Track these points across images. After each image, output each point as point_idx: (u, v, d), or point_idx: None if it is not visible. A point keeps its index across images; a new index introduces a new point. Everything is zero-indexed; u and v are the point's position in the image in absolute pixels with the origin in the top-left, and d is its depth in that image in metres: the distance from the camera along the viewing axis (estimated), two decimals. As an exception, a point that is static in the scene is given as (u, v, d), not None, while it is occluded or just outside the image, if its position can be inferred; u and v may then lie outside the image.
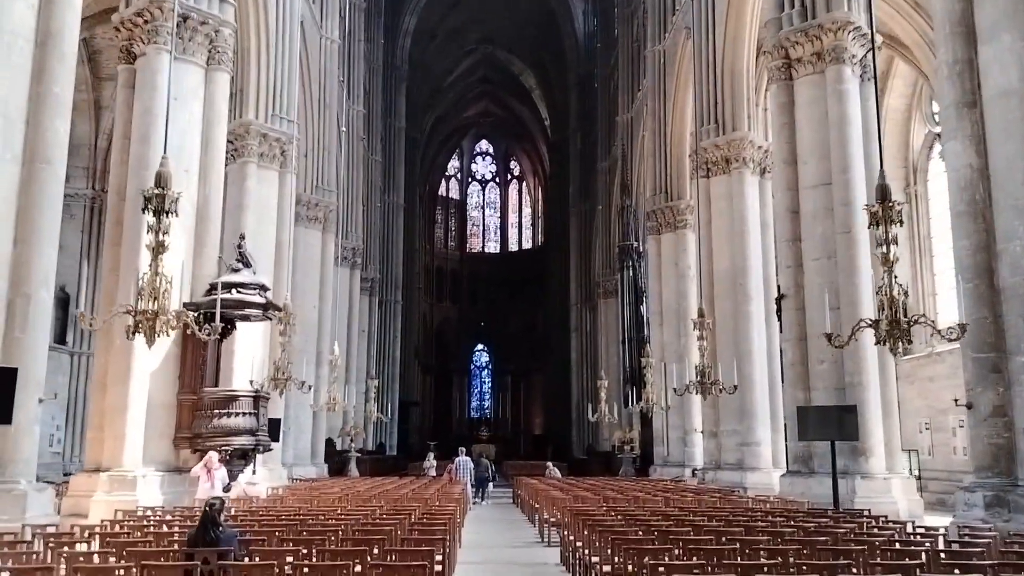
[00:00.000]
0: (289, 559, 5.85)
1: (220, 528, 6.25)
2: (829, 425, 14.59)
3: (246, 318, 16.08)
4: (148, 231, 7.92)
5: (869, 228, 8.40)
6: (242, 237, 16.38)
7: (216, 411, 14.90)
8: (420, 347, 54.69)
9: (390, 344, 43.97)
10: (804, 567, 5.62)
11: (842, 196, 15.75)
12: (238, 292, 15.32)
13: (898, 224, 7.91)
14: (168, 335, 7.94)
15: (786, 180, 16.65)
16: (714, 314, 21.72)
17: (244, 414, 15.03)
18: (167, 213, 7.87)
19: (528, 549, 13.69)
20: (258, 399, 15.30)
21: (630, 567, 6.56)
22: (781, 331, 16.73)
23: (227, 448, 14.70)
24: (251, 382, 15.08)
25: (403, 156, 47.63)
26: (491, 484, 26.73)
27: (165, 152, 8.79)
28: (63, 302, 26.57)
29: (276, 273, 21.76)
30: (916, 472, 23.24)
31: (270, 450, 16.24)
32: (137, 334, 7.65)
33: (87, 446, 15.24)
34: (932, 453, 23.87)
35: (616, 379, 31.85)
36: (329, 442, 28.46)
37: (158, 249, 7.67)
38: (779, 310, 16.47)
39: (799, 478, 15.61)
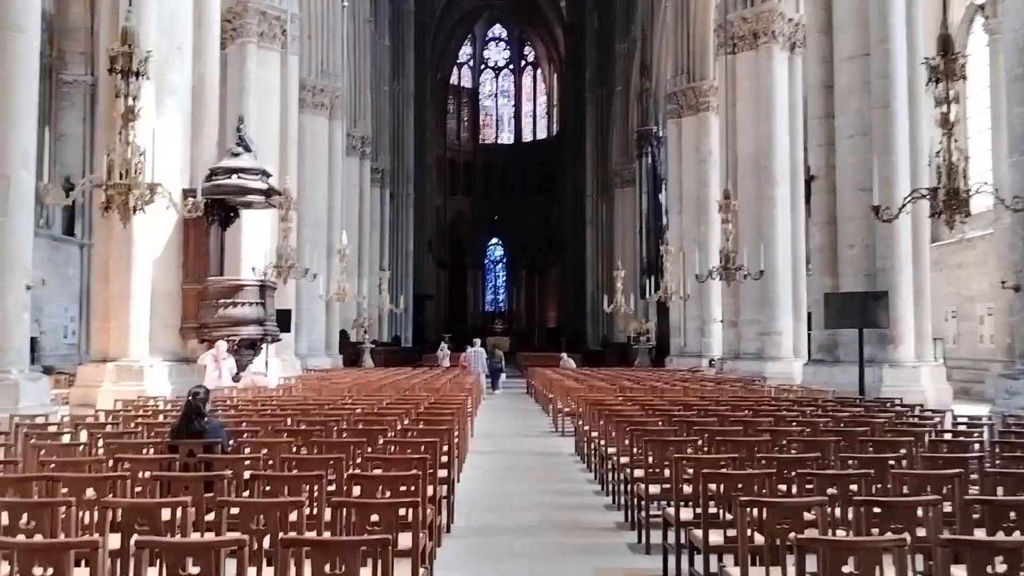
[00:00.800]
0: (281, 452, 5.38)
1: (205, 418, 5.78)
2: (858, 312, 13.98)
3: (248, 205, 15.43)
4: (117, 96, 7.10)
5: (928, 84, 7.47)
6: (241, 120, 15.56)
7: (222, 301, 14.44)
8: (434, 241, 54.12)
9: (403, 238, 43.38)
10: (849, 461, 5.08)
11: (880, 68, 14.64)
12: (239, 177, 14.64)
13: (962, 80, 7.01)
14: (143, 211, 7.27)
15: (820, 52, 15.51)
16: (737, 199, 20.89)
17: (250, 304, 14.57)
18: (137, 75, 7.05)
19: (541, 439, 13.40)
20: (264, 288, 14.81)
21: (651, 459, 6.07)
22: (809, 215, 15.93)
23: (234, 338, 14.32)
24: (252, 269, 14.54)
25: (412, 41, 45.78)
26: (504, 375, 26.58)
27: (130, 5, 7.83)
28: (68, 193, 25.96)
29: (281, 161, 20.96)
30: (940, 361, 22.75)
31: (279, 340, 15.88)
32: (111, 210, 6.99)
33: (93, 336, 14.93)
34: (957, 342, 23.33)
35: (632, 270, 31.21)
36: (343, 334, 28.27)
37: (127, 116, 6.89)
38: (808, 192, 15.63)
39: (823, 367, 15.13)
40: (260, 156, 20.09)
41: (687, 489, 5.23)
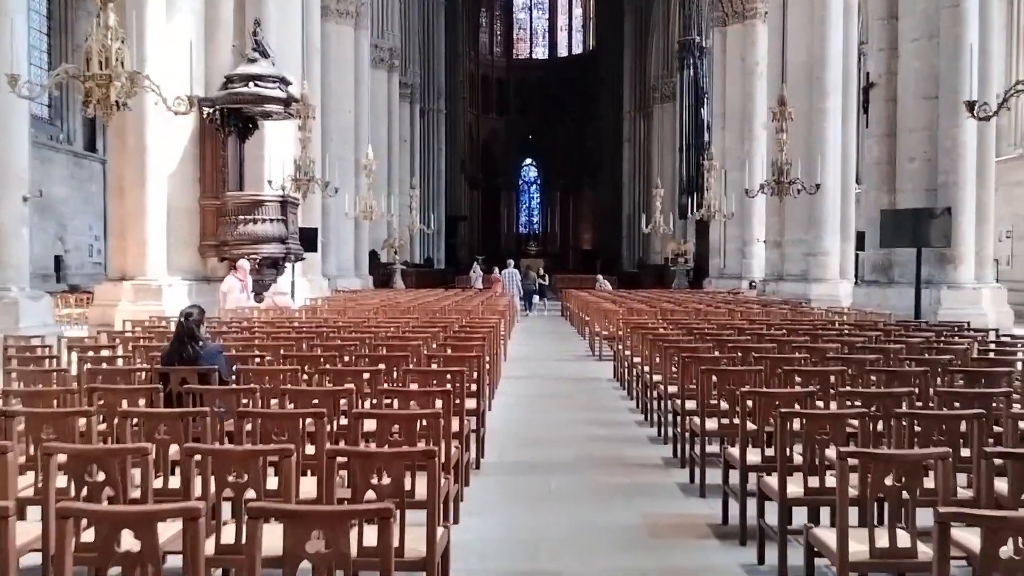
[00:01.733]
0: (285, 383, 4.73)
1: (200, 343, 5.12)
2: (916, 230, 12.99)
3: (267, 115, 14.60)
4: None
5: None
6: (257, 23, 14.57)
7: (241, 217, 13.80)
8: (467, 161, 52.95)
9: (434, 156, 42.35)
10: (954, 400, 4.27)
11: (953, -40, 13.23)
12: (255, 85, 13.79)
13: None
14: (127, 106, 6.47)
15: (886, -55, 14.08)
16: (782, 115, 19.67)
17: (271, 220, 13.91)
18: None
19: (578, 363, 12.73)
20: (285, 204, 14.11)
21: (702, 389, 5.33)
22: (867, 125, 14.75)
23: (255, 256, 13.71)
24: (269, 183, 13.81)
25: (443, -52, 43.88)
26: (537, 297, 25.89)
27: None
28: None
29: (305, 71, 20.02)
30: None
31: (302, 259, 15.25)
32: (90, 105, 6.21)
33: (109, 254, 14.44)
34: (1011, 263, 22.12)
35: (671, 190, 30.04)
36: (373, 255, 27.70)
37: None
38: (866, 102, 14.42)
39: (876, 288, 14.20)
40: (281, 66, 19.13)
41: (751, 427, 4.48)
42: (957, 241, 13.13)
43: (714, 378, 5.39)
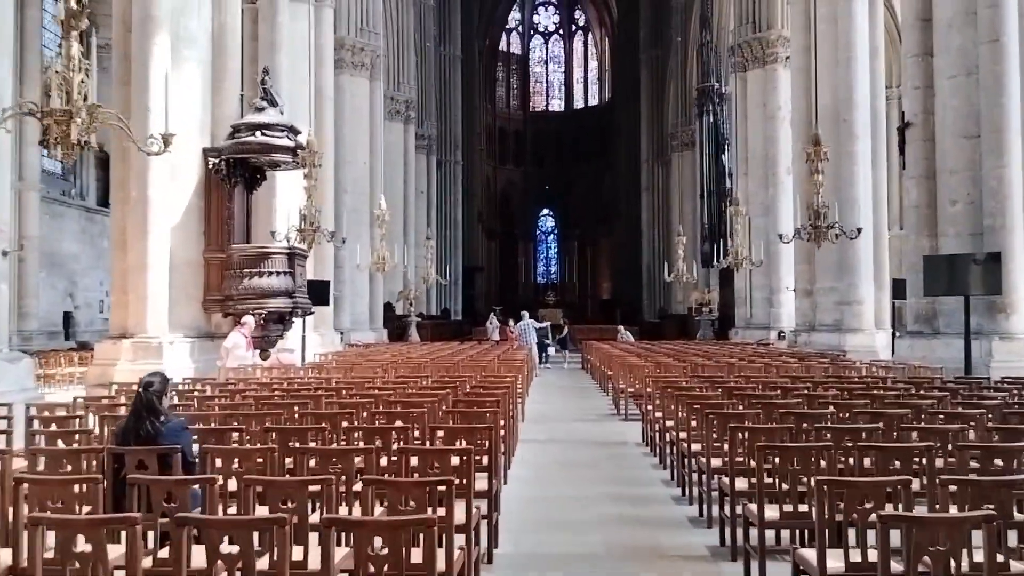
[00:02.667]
0: (259, 460, 3.97)
1: (161, 418, 4.37)
2: (963, 276, 12.15)
3: (275, 165, 14.11)
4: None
5: None
6: (266, 72, 14.19)
7: (247, 270, 13.19)
8: (484, 211, 52.66)
9: (451, 207, 41.97)
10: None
11: (990, -5, 12.60)
12: (263, 134, 13.31)
13: None
14: (92, 145, 5.81)
15: (917, -21, 13.50)
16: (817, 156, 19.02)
17: (278, 273, 13.28)
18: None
19: (601, 424, 11.85)
20: (293, 256, 13.50)
21: (752, 462, 4.51)
22: (903, 167, 14.01)
23: (261, 311, 13.06)
24: (272, 234, 13.22)
25: (459, 2, 44.03)
26: (552, 348, 25.02)
27: None
28: (103, 162, 25.10)
29: (317, 121, 19.65)
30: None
31: (310, 313, 14.59)
32: (49, 145, 5.56)
33: (111, 310, 13.82)
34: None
35: (692, 237, 29.29)
36: (388, 307, 27.05)
37: (69, 24, 5.28)
38: (902, 142, 13.70)
39: (920, 340, 13.28)
40: (293, 116, 18.77)
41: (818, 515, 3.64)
42: (1009, 288, 12.25)
43: (794, 462, 4.51)
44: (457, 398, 7.50)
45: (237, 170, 13.52)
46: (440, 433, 5.18)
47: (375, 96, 25.86)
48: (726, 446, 5.24)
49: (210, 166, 13.45)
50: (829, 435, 4.84)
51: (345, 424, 5.49)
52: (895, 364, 12.13)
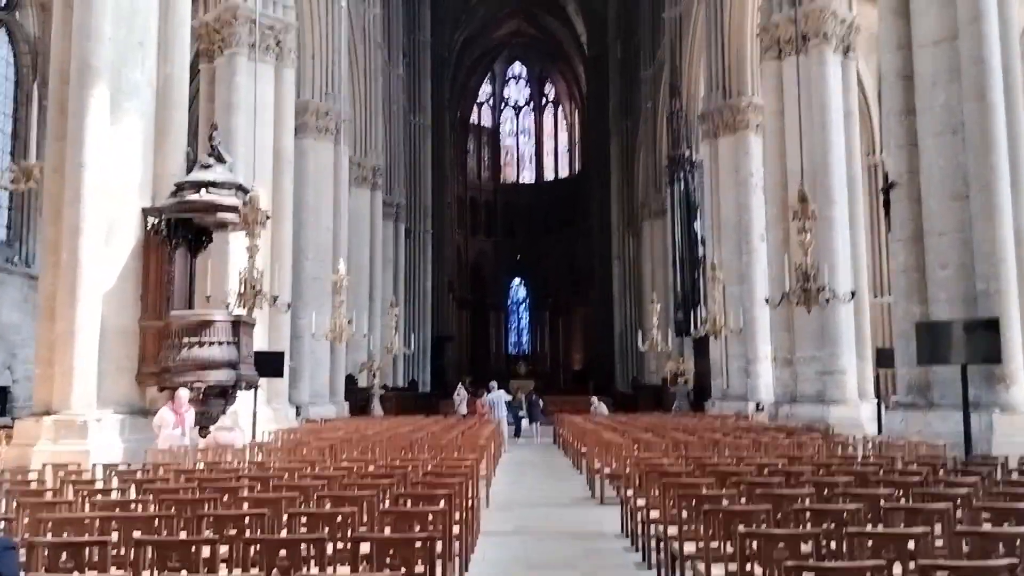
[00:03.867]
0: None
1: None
2: (957, 345, 11.39)
3: (222, 225, 13.12)
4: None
5: None
6: (214, 127, 13.34)
7: (186, 340, 12.08)
8: (455, 281, 51.89)
9: (420, 276, 41.08)
10: None
11: (972, 52, 12.17)
12: (208, 192, 12.34)
13: None
14: None
15: (896, 37, 13.08)
16: (788, 222, 18.45)
17: (220, 343, 12.18)
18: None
19: (576, 510, 10.68)
20: (238, 325, 12.42)
21: (759, 569, 3.51)
22: (889, 230, 13.35)
23: (200, 385, 11.91)
24: (208, 299, 12.16)
25: (429, 73, 43.99)
26: (527, 422, 23.82)
27: None
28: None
29: (276, 184, 18.81)
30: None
31: (256, 387, 13.42)
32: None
33: (35, 385, 12.55)
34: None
35: (665, 305, 28.54)
36: (350, 379, 25.79)
37: None
38: (886, 203, 13.06)
39: (914, 412, 12.39)
40: (250, 179, 17.95)
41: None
42: (1007, 357, 11.47)
43: (789, 558, 3.56)
44: (408, 484, 6.41)
45: (179, 231, 12.52)
46: (364, 549, 4.06)
47: (339, 160, 25.12)
48: (728, 547, 4.22)
49: (149, 226, 12.45)
50: (893, 549, 3.78)
51: (248, 534, 4.38)
52: (894, 441, 11.18)
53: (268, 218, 12.89)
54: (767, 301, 12.11)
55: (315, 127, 23.94)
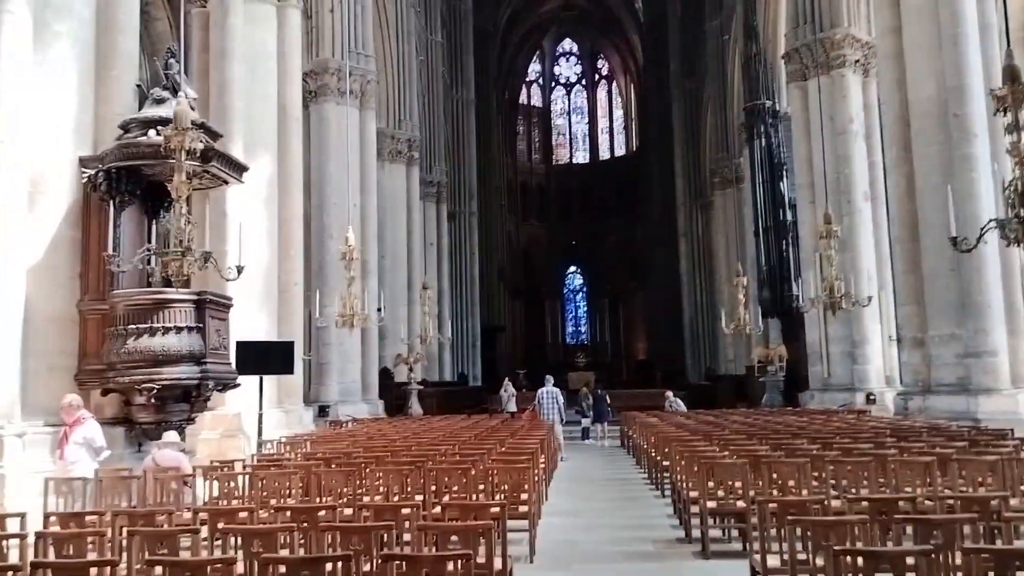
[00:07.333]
0: None
1: None
2: None
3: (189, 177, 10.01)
4: None
5: None
6: (171, 53, 10.19)
7: (133, 326, 9.05)
8: (507, 269, 48.73)
9: (466, 262, 37.96)
10: None
11: None
12: (160, 134, 9.25)
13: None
14: None
15: None
16: (911, 165, 14.77)
17: (180, 329, 9.12)
18: None
19: (661, 554, 7.27)
20: (203, 305, 9.34)
21: None
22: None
23: (150, 386, 8.88)
24: (147, 267, 9.06)
25: (471, 46, 40.76)
26: (587, 420, 20.39)
27: None
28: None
29: (282, 145, 15.78)
30: None
31: (235, 386, 10.32)
32: None
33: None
34: None
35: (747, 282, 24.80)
36: (386, 373, 22.75)
37: None
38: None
39: None
40: (252, 140, 14.97)
41: None
42: None
43: None
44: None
45: (125, 184, 9.48)
46: None
47: (366, 127, 22.05)
48: None
49: (85, 180, 9.48)
50: None
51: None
52: None
53: (214, 152, 9.78)
54: (954, 242, 8.37)
55: (336, 89, 20.89)
